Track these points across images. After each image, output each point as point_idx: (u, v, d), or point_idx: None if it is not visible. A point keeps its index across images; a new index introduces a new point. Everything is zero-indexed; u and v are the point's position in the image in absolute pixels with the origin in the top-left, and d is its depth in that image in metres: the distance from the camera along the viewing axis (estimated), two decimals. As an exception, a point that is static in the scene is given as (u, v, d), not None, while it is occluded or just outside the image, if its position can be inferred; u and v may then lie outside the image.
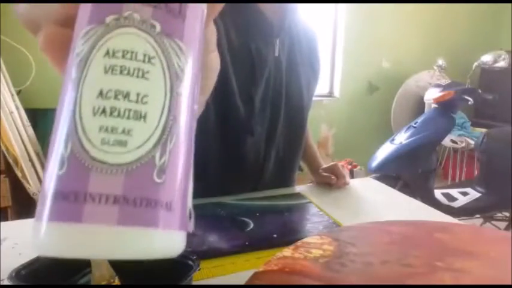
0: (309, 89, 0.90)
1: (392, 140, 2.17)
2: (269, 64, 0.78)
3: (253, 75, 0.77)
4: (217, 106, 0.75)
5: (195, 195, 0.20)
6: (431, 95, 2.15)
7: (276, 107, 0.82)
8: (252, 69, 0.76)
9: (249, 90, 0.77)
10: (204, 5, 0.21)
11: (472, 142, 2.73)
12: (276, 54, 0.79)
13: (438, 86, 2.22)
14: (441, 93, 2.09)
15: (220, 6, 0.22)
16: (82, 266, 0.48)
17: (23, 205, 1.94)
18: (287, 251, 0.47)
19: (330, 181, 0.90)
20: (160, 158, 0.18)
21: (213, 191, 0.80)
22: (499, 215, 2.20)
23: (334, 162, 0.96)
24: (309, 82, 0.89)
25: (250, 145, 0.82)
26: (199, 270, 0.44)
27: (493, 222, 2.22)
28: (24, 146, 1.95)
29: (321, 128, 3.19)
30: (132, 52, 0.18)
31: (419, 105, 2.92)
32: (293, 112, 0.86)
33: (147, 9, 0.18)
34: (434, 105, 2.17)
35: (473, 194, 2.11)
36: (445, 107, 2.10)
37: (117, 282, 0.46)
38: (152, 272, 0.49)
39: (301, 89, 0.86)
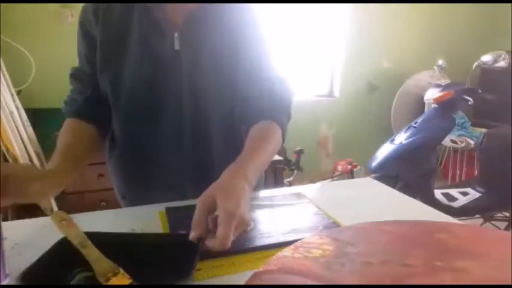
0: (237, 82, 0.78)
1: (392, 140, 2.17)
2: (165, 57, 0.75)
3: (143, 69, 0.75)
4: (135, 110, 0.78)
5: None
6: (431, 95, 2.15)
7: (179, 104, 0.76)
8: (142, 63, 0.75)
9: (142, 86, 0.76)
10: None
11: (472, 142, 2.73)
12: (177, 47, 0.75)
13: (438, 86, 2.21)
14: (441, 93, 2.09)
15: None
16: (81, 263, 0.48)
17: (23, 205, 1.93)
18: (287, 251, 0.47)
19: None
20: None
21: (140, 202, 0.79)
22: (499, 215, 2.20)
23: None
24: (237, 74, 0.78)
25: (156, 149, 0.80)
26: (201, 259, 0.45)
27: (493, 222, 2.22)
28: (24, 146, 1.94)
29: (320, 128, 3.19)
30: None
31: (419, 105, 2.92)
32: (208, 109, 0.78)
33: None
34: (434, 105, 2.16)
35: (473, 194, 2.11)
36: (445, 107, 2.10)
37: (122, 272, 0.46)
38: (160, 258, 0.49)
39: (219, 82, 0.77)
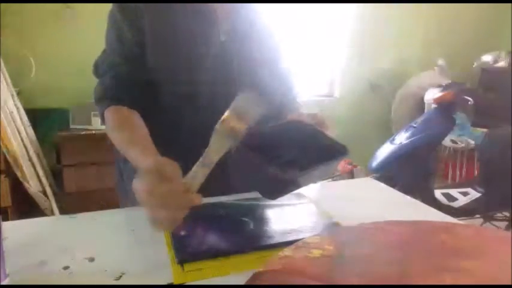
0: (278, 73, 0.87)
1: (393, 140, 2.17)
2: (212, 48, 0.78)
3: (187, 58, 0.77)
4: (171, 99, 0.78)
5: None
6: (432, 95, 2.15)
7: (222, 92, 0.76)
8: (188, 54, 0.77)
9: (187, 75, 0.77)
10: None
11: (472, 142, 2.73)
12: (222, 39, 0.78)
13: (438, 86, 2.21)
14: (441, 94, 2.09)
15: None
16: None
17: (23, 205, 1.94)
18: (287, 251, 0.47)
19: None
20: None
21: None
22: (499, 215, 2.20)
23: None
24: (276, 66, 0.87)
25: (193, 135, 0.76)
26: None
27: (493, 222, 2.22)
28: (24, 146, 1.94)
29: (321, 128, 3.19)
30: None
31: (419, 106, 2.91)
32: None
33: None
34: (434, 106, 2.16)
35: (473, 194, 2.11)
36: (445, 107, 2.10)
37: None
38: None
39: (261, 73, 0.82)
